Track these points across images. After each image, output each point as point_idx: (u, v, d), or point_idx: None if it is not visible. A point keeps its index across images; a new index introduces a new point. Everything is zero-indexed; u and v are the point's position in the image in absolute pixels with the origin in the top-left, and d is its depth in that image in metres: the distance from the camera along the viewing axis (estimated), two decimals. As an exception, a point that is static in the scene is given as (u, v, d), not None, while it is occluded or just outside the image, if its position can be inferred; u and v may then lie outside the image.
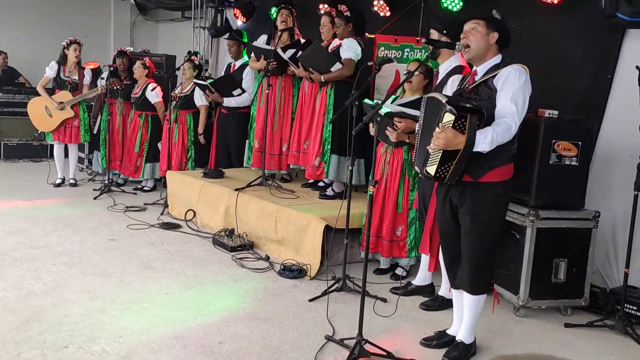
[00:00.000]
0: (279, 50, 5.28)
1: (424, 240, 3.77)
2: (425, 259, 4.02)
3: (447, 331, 3.37)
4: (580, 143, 3.72)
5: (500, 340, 3.48)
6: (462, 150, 2.77)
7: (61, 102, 6.74)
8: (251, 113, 5.91)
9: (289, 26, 5.53)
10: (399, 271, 4.43)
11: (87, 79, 6.94)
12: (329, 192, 5.17)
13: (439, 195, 3.17)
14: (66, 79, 6.83)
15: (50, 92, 6.84)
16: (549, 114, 3.70)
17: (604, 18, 3.94)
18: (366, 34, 5.47)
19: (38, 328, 3.24)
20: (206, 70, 8.39)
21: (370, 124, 4.03)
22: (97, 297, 3.73)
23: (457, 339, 3.23)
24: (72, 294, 3.75)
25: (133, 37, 10.76)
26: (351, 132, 3.13)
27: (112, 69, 6.79)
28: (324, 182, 5.37)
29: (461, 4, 4.91)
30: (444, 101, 2.79)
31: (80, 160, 7.95)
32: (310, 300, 3.87)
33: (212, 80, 6.64)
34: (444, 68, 3.80)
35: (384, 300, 3.96)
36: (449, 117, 2.73)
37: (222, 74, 6.61)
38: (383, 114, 3.77)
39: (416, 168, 3.15)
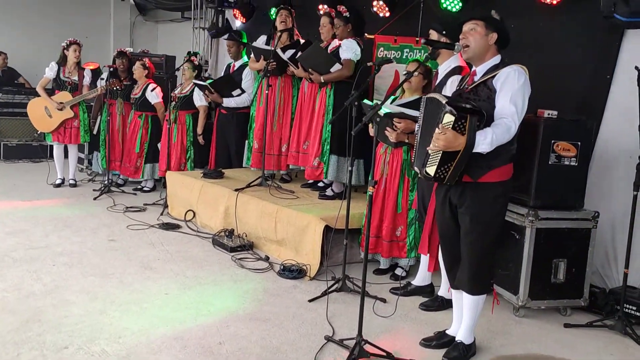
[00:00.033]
0: (279, 51, 5.28)
1: (423, 241, 3.76)
2: (424, 259, 4.02)
3: (447, 331, 3.37)
4: (579, 143, 3.72)
5: (500, 341, 3.48)
6: (462, 151, 2.77)
7: (61, 103, 6.74)
8: (251, 113, 5.91)
9: (288, 27, 5.53)
10: (398, 271, 4.43)
11: (87, 79, 6.94)
12: (329, 192, 5.17)
13: (438, 195, 3.17)
14: (66, 79, 6.83)
15: (50, 92, 6.84)
16: (548, 114, 3.70)
17: (603, 18, 3.94)
18: (365, 34, 5.48)
19: (38, 329, 3.24)
20: (206, 70, 8.39)
21: (370, 125, 4.04)
22: (96, 297, 3.73)
23: (456, 339, 3.23)
24: (72, 295, 3.75)
25: (133, 37, 10.76)
26: (350, 133, 3.13)
27: (111, 69, 6.80)
28: (323, 182, 5.36)
29: (460, 4, 4.91)
30: (443, 102, 2.79)
31: (80, 160, 7.96)
32: (310, 301, 3.87)
33: (212, 80, 6.63)
34: (443, 68, 3.80)
35: (384, 300, 3.96)
36: (449, 118, 2.73)
37: (222, 75, 6.61)
38: (382, 114, 3.77)
39: (416, 168, 3.15)
